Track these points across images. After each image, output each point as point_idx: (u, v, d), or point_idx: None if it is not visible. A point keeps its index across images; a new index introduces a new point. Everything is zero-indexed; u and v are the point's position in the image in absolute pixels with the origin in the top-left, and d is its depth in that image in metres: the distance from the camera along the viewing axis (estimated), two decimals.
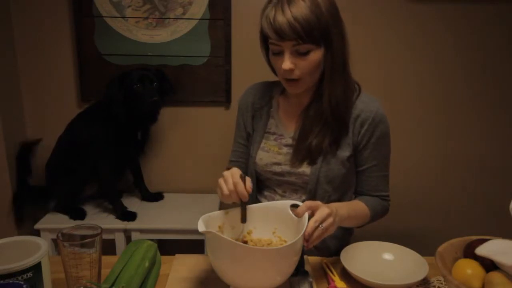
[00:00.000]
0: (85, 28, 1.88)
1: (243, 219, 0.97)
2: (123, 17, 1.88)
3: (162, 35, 1.90)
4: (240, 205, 0.97)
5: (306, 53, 1.02)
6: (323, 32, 1.00)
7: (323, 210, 0.91)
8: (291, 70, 1.03)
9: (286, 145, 1.17)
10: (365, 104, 1.12)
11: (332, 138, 1.11)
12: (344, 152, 1.12)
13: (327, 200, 1.13)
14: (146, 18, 1.88)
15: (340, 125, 1.11)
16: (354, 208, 1.09)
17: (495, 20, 1.92)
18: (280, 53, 1.04)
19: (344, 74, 1.09)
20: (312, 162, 1.13)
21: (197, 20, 1.89)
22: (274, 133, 1.20)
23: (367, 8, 1.90)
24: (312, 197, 1.14)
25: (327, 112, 1.09)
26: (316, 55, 1.03)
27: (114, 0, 1.85)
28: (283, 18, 0.98)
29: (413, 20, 1.92)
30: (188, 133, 2.02)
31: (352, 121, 1.12)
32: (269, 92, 1.25)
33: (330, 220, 0.91)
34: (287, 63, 1.02)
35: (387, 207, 1.21)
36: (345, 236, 1.26)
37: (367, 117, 1.11)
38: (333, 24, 1.02)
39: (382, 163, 1.16)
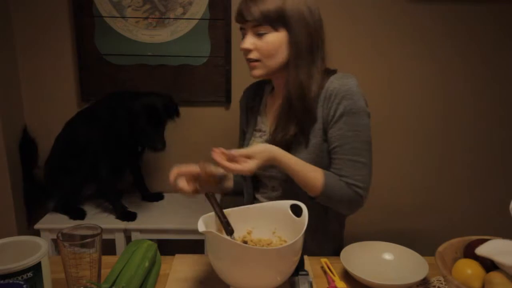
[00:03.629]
0: (85, 28, 1.88)
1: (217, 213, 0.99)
2: (123, 17, 1.87)
3: (162, 35, 1.90)
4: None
5: (263, 35, 1.08)
6: (279, 16, 1.06)
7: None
8: (248, 50, 1.10)
9: (267, 141, 1.19)
10: (331, 83, 1.10)
11: (299, 128, 1.11)
12: (315, 139, 1.11)
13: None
14: (146, 18, 1.88)
15: (305, 113, 1.10)
16: (307, 169, 1.05)
17: (494, 20, 1.92)
18: (244, 36, 1.12)
19: (310, 62, 1.10)
20: None
21: (197, 20, 1.89)
22: (259, 130, 1.24)
23: (366, 8, 1.89)
24: (290, 188, 1.12)
25: (290, 99, 1.10)
26: (273, 37, 1.08)
27: (114, 0, 1.85)
28: (245, 1, 1.08)
29: (412, 20, 1.91)
30: (188, 133, 2.02)
31: (321, 103, 1.11)
32: (261, 91, 1.28)
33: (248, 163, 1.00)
34: (246, 43, 1.10)
35: (357, 198, 1.07)
36: (336, 233, 1.25)
37: (331, 93, 1.09)
38: (292, 10, 1.06)
39: (348, 144, 1.07)
